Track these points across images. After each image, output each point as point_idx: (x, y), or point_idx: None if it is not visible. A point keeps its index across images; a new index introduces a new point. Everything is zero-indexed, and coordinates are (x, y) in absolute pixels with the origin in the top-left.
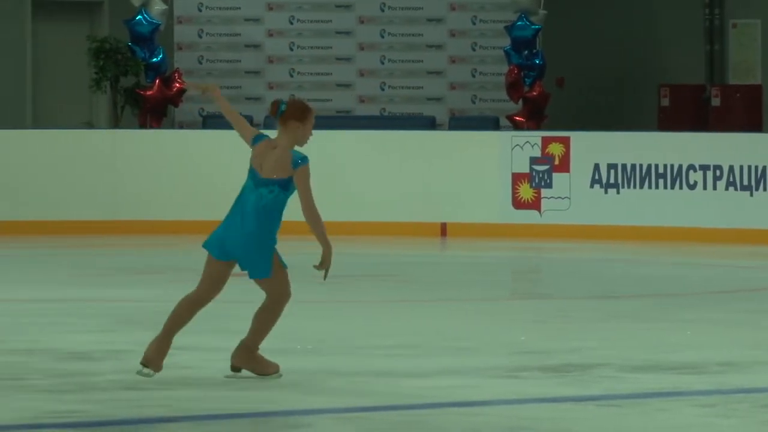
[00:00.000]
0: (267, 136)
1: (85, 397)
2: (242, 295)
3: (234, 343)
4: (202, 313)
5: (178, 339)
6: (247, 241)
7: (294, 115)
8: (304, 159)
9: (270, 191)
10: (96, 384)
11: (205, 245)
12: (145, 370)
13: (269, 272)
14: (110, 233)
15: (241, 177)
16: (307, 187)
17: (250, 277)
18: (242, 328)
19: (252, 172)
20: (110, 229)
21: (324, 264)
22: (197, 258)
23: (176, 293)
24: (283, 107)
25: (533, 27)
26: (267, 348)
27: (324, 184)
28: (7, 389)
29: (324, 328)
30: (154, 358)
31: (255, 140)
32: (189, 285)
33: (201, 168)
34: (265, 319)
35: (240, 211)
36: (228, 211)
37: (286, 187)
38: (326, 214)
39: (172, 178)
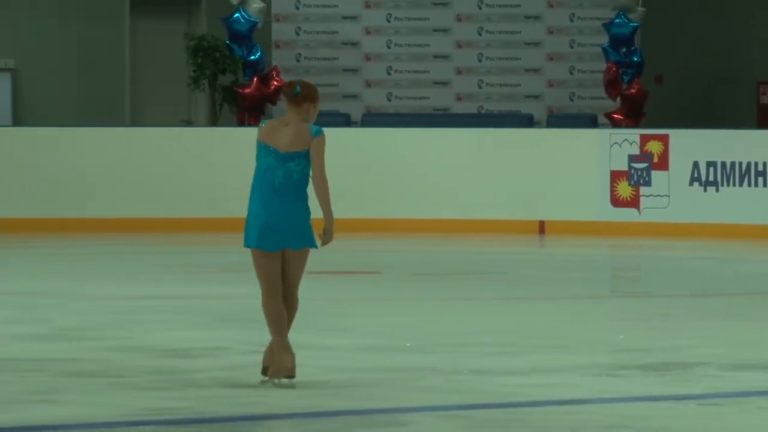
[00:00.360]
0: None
1: (185, 395)
2: (342, 294)
3: (335, 341)
4: (302, 312)
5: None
6: (291, 214)
7: (309, 96)
8: (321, 129)
9: (297, 164)
10: (195, 381)
11: (254, 245)
12: (285, 380)
13: (315, 241)
14: (208, 230)
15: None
16: (322, 155)
17: (299, 247)
18: (344, 325)
19: (267, 150)
20: (208, 227)
21: (327, 236)
22: None
23: None
24: (299, 88)
25: (631, 24)
26: (367, 345)
27: (420, 182)
28: (108, 386)
29: (423, 326)
30: (287, 363)
31: (261, 122)
32: None
33: None
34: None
35: (271, 193)
36: (253, 202)
37: (308, 157)
38: (422, 212)
39: (247, 179)
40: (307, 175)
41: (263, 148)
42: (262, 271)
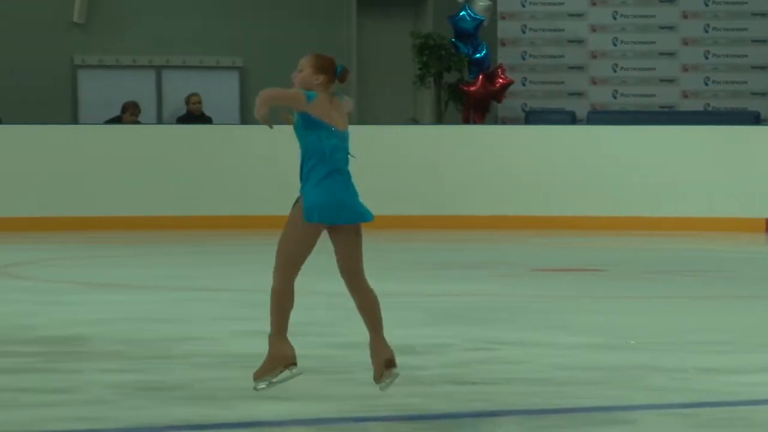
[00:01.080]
0: (312, 92)
1: (409, 391)
2: (566, 291)
3: (560, 338)
4: (528, 309)
5: (501, 334)
6: (356, 193)
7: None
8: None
9: (348, 143)
10: (420, 378)
11: (329, 220)
12: (297, 370)
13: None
14: (434, 227)
15: (564, 172)
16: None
17: (368, 220)
18: (568, 322)
19: (329, 131)
20: (433, 224)
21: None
22: (516, 253)
23: (499, 288)
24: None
25: None
26: (590, 343)
27: (645, 180)
28: (332, 382)
29: (646, 323)
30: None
31: (310, 97)
32: (510, 280)
33: (522, 162)
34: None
35: (346, 174)
36: (326, 179)
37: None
38: (646, 209)
39: (494, 174)
40: None
41: (327, 126)
42: (304, 246)
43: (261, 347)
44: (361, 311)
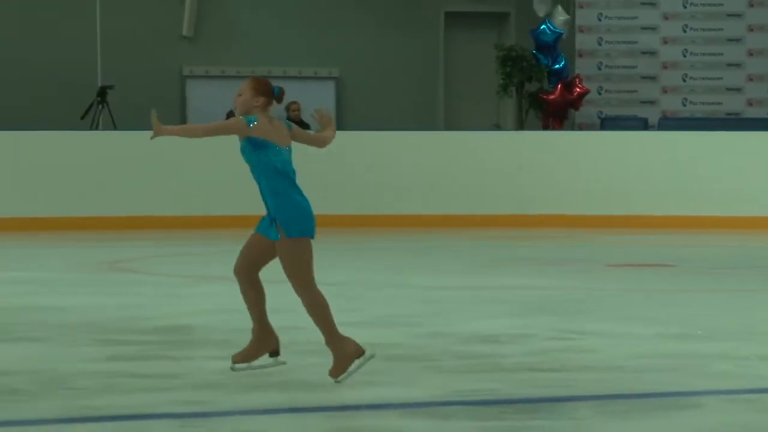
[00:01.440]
0: (253, 116)
1: (492, 377)
2: (641, 285)
3: (635, 329)
4: (603, 301)
5: (579, 325)
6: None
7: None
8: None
9: (292, 159)
10: (503, 365)
11: (309, 233)
12: (369, 354)
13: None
14: (512, 226)
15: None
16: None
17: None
18: (642, 314)
19: (274, 149)
20: (513, 222)
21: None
22: (593, 250)
23: (577, 282)
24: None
25: None
26: (663, 333)
27: (713, 182)
28: (423, 369)
29: (715, 315)
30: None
31: (250, 121)
32: (587, 274)
33: (597, 166)
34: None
35: (297, 185)
36: (295, 193)
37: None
38: (714, 208)
39: (571, 176)
40: None
41: (272, 145)
42: (310, 260)
43: (357, 335)
44: (248, 302)
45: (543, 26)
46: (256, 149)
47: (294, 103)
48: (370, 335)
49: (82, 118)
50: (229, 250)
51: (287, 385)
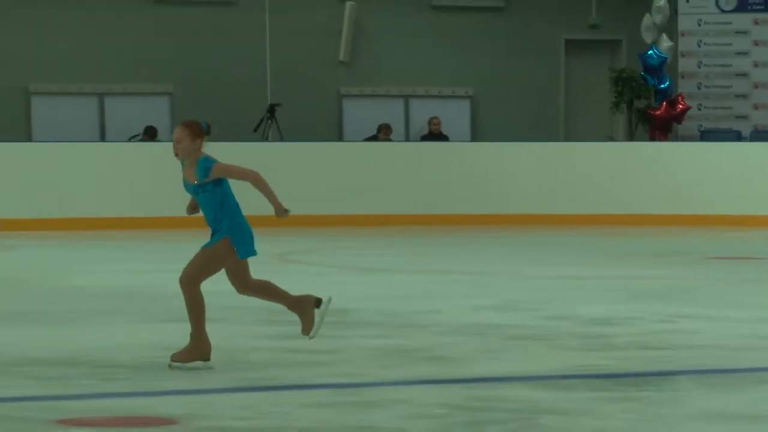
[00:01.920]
0: (208, 162)
1: (605, 355)
2: (737, 275)
3: (730, 313)
4: (702, 290)
5: (682, 309)
6: None
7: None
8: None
9: None
10: (615, 344)
11: (254, 252)
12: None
13: None
14: (621, 224)
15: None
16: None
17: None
18: (736, 301)
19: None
20: (626, 221)
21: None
22: (695, 244)
23: (680, 272)
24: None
25: None
26: (756, 317)
27: None
28: (545, 348)
29: None
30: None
31: (209, 168)
32: (689, 266)
33: (698, 172)
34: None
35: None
36: (243, 218)
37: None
38: None
39: (675, 181)
40: None
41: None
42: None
43: (490, 319)
44: (266, 297)
45: (650, 51)
46: (217, 185)
47: (435, 118)
48: (502, 317)
49: (255, 130)
50: (382, 244)
51: (431, 360)
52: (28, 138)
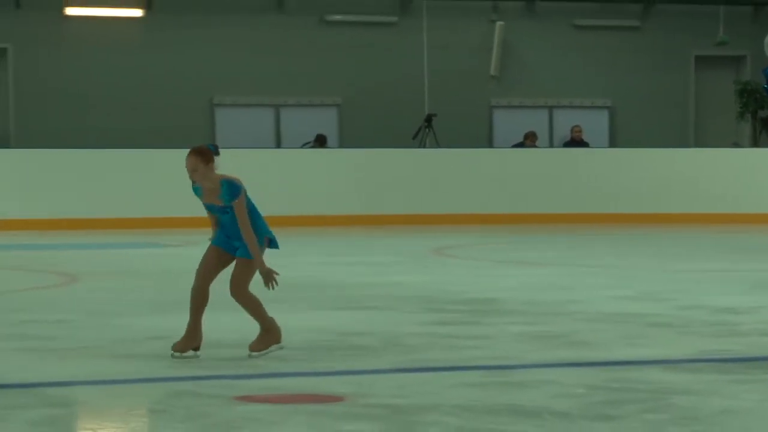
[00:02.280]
0: (237, 188)
1: (732, 340)
2: None
3: None
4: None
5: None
6: None
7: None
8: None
9: None
10: (740, 331)
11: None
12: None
13: None
14: (723, 222)
15: None
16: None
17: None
18: None
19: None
20: (725, 219)
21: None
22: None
23: None
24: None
25: None
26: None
27: None
28: (677, 334)
29: None
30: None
31: (237, 194)
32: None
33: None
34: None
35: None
36: (263, 221)
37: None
38: None
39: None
40: None
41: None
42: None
43: (628, 308)
44: (251, 311)
45: None
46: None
47: (576, 126)
48: (636, 307)
49: (413, 138)
50: (530, 241)
51: (572, 345)
52: None
